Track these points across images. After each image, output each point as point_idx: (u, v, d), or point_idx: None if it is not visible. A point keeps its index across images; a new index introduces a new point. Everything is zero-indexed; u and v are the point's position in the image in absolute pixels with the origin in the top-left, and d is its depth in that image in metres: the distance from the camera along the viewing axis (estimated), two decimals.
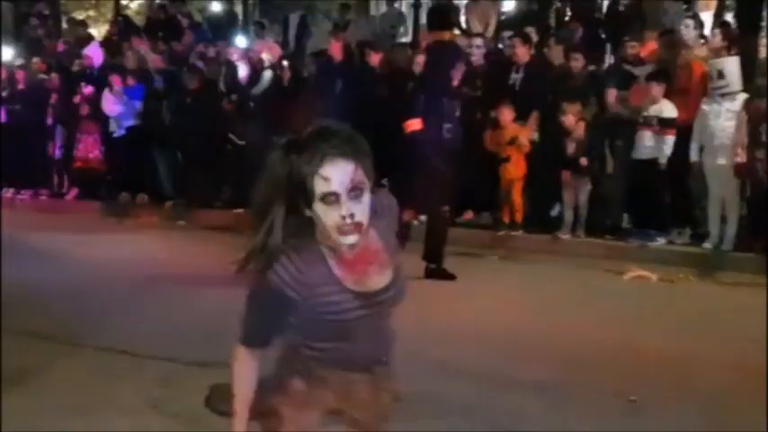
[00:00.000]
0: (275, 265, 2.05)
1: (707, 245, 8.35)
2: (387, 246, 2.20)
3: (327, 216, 2.01)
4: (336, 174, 1.99)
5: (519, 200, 9.14)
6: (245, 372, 2.18)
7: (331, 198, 2.00)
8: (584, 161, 8.70)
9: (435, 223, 7.41)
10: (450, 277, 7.24)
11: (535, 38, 10.02)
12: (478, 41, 9.87)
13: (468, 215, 9.70)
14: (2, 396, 4.26)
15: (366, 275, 2.14)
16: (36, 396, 4.37)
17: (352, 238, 2.04)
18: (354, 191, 2.01)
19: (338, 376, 2.22)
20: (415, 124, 7.15)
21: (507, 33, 10.67)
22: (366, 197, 2.04)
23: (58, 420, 3.99)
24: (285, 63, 11.09)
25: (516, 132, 8.98)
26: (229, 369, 2.18)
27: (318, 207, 2.02)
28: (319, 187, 1.99)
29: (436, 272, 7.25)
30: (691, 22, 9.63)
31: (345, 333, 2.16)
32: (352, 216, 2.01)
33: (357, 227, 2.03)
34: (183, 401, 4.32)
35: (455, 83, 7.40)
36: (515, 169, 9.02)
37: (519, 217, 9.15)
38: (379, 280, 2.17)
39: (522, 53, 9.33)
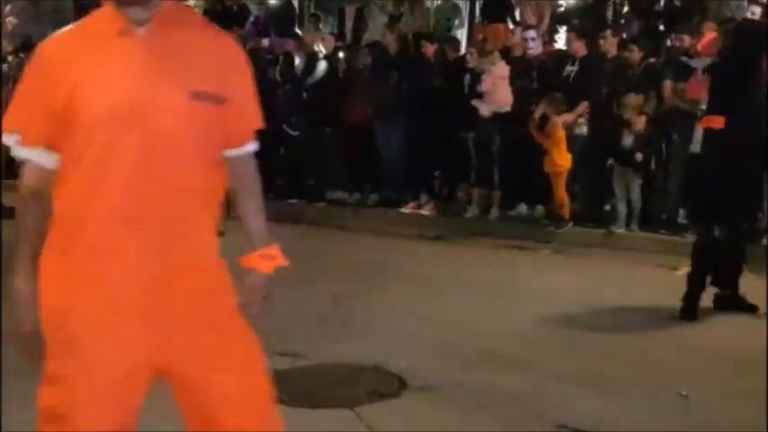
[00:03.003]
0: None
1: (764, 240, 8.20)
2: None
3: None
4: None
5: (562, 194, 8.88)
6: None
7: None
8: (639, 156, 8.57)
9: (734, 238, 6.21)
10: (751, 308, 6.07)
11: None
12: (532, 33, 9.81)
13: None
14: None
15: None
16: None
17: None
18: None
19: None
20: (717, 121, 5.92)
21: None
22: None
23: None
24: (341, 54, 11.11)
25: (556, 122, 8.79)
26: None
27: None
28: None
29: (731, 300, 6.12)
30: (757, 9, 9.36)
31: None
32: None
33: None
34: None
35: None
36: (554, 162, 8.77)
37: (565, 211, 8.90)
38: None
39: (579, 47, 9.28)
